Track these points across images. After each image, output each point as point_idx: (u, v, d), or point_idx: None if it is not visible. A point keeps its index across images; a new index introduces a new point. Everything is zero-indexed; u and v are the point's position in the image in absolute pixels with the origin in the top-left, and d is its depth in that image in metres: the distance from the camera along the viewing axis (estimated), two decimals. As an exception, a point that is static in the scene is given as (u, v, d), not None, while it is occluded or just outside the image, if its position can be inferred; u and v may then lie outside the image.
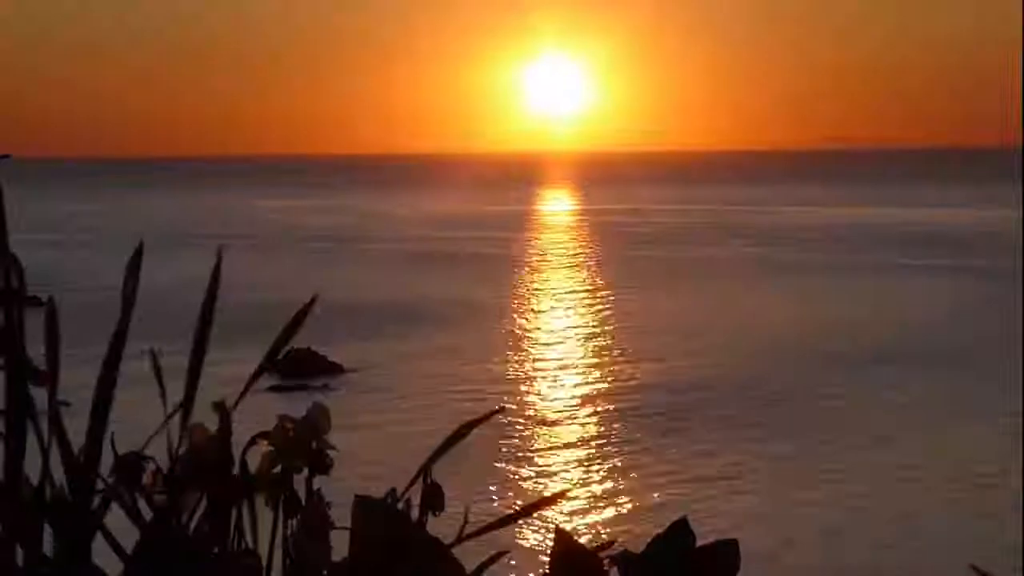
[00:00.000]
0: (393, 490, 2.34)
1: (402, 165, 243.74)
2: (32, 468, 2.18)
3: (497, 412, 2.36)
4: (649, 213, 74.65)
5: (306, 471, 2.36)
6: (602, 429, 19.09)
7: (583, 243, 55.94)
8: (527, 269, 42.86)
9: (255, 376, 2.24)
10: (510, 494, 15.25)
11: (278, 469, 2.34)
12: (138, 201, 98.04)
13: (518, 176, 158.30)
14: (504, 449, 17.37)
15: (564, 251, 50.56)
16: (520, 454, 17.48)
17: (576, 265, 44.89)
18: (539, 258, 47.02)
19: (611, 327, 29.24)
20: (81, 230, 63.44)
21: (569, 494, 15.19)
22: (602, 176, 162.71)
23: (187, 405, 2.22)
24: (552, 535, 2.56)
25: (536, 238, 57.69)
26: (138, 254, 2.22)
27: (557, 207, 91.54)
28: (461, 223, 67.17)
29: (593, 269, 43.29)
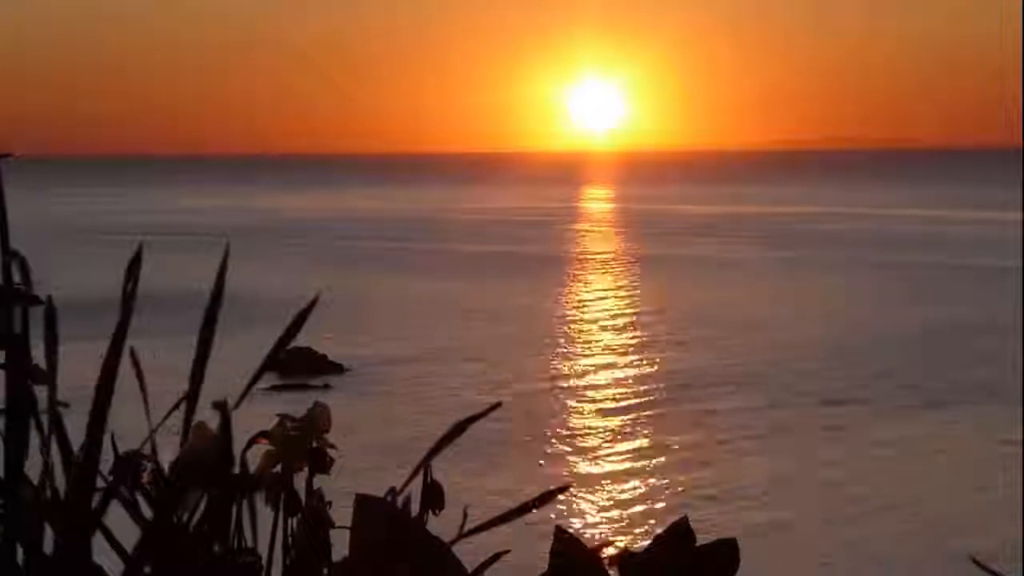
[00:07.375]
0: (393, 488, 2.34)
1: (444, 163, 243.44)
2: (32, 468, 2.17)
3: (495, 407, 2.36)
4: (687, 212, 74.15)
5: (306, 470, 2.36)
6: (604, 432, 19.11)
7: (605, 240, 55.80)
8: (549, 266, 42.65)
9: (257, 375, 2.24)
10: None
11: (278, 468, 2.34)
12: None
13: (559, 174, 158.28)
14: (505, 451, 17.37)
15: (586, 248, 50.36)
16: (524, 454, 17.48)
17: (596, 263, 44.77)
18: (550, 258, 46.87)
19: (626, 326, 29.21)
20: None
21: (567, 491, 15.13)
22: (636, 175, 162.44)
23: (191, 402, 2.22)
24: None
25: (555, 238, 57.36)
26: (138, 254, 2.22)
27: (585, 204, 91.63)
28: (487, 220, 66.98)
29: (608, 267, 43.20)
